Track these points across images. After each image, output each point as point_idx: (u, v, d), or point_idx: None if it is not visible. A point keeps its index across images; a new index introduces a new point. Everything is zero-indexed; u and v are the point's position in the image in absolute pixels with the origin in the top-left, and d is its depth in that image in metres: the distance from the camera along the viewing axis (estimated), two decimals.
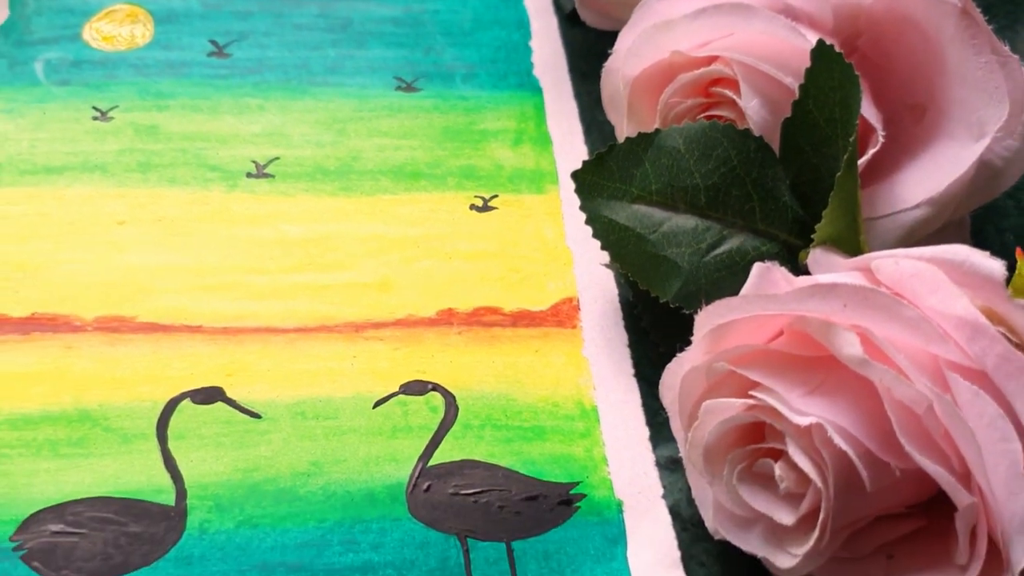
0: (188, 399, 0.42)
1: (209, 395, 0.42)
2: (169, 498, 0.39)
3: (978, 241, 0.52)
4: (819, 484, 0.35)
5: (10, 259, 0.45)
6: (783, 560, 0.37)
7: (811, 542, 0.36)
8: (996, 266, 0.35)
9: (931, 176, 0.45)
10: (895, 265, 0.36)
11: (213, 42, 0.55)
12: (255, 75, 0.54)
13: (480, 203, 0.51)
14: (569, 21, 0.58)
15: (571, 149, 0.54)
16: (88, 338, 0.43)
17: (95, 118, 0.51)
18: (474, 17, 0.59)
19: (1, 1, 0.54)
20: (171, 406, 0.42)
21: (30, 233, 0.46)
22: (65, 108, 0.51)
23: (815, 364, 0.37)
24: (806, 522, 0.36)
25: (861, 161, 0.44)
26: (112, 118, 0.51)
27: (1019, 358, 0.34)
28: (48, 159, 0.49)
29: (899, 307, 0.35)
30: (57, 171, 0.49)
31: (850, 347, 0.34)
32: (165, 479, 0.40)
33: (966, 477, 0.34)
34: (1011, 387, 0.34)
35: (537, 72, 0.57)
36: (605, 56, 0.50)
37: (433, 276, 0.48)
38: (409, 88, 0.55)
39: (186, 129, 0.51)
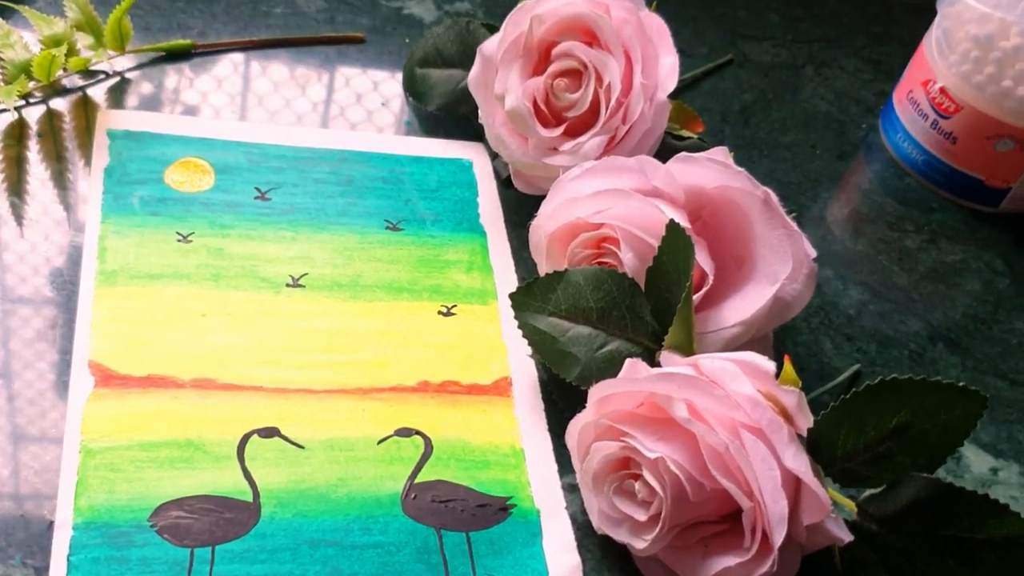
0: (256, 434, 0.50)
1: (270, 432, 0.50)
2: (248, 497, 0.48)
3: (780, 349, 0.59)
4: (661, 495, 0.44)
5: (130, 337, 0.52)
6: (639, 544, 0.46)
7: (655, 532, 0.45)
8: (770, 365, 0.45)
9: (743, 306, 0.52)
10: (711, 363, 0.46)
11: (257, 188, 0.60)
12: (288, 215, 0.59)
13: (445, 310, 0.57)
14: (505, 186, 0.64)
15: (506, 276, 0.60)
16: (187, 392, 0.50)
17: (179, 240, 0.56)
18: (438, 179, 0.64)
19: (103, 151, 0.60)
20: (245, 438, 0.49)
21: (142, 319, 0.52)
22: (157, 232, 0.56)
23: (661, 422, 0.45)
24: (653, 520, 0.46)
25: (697, 295, 0.52)
26: (191, 241, 0.56)
27: (779, 421, 0.44)
28: (148, 268, 0.54)
29: (711, 388, 0.44)
30: (156, 277, 0.54)
31: (681, 412, 0.44)
32: (245, 485, 0.48)
33: (749, 492, 0.44)
34: (775, 438, 0.44)
35: (482, 220, 0.62)
36: (530, 211, 0.56)
37: (414, 359, 0.54)
38: (395, 228, 0.60)
39: (243, 251, 0.57)
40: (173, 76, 0.68)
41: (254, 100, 0.67)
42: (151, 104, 0.65)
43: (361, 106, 0.69)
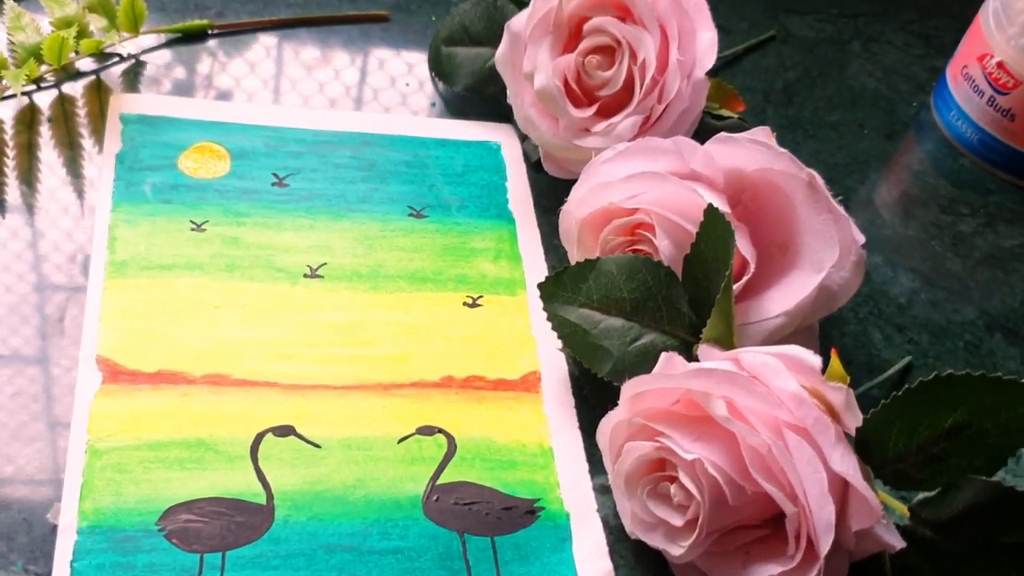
0: (270, 433, 0.49)
1: (285, 431, 0.49)
2: (261, 499, 0.47)
3: (826, 341, 0.58)
4: (699, 499, 0.43)
5: (140, 330, 0.51)
6: (675, 550, 0.45)
7: (692, 538, 0.44)
8: (816, 360, 0.44)
9: (787, 296, 0.51)
10: (753, 357, 0.45)
11: (275, 175, 0.59)
12: (307, 202, 0.58)
13: (470, 301, 0.56)
14: (535, 169, 0.63)
15: (535, 265, 0.58)
16: (198, 389, 0.49)
17: (192, 229, 0.55)
18: (465, 163, 0.62)
19: (115, 136, 0.59)
20: (259, 437, 0.48)
21: (152, 312, 0.51)
22: (169, 221, 0.55)
23: (699, 421, 0.44)
24: (690, 525, 0.44)
25: (738, 285, 0.50)
26: (205, 230, 0.55)
27: (826, 420, 0.42)
28: (160, 259, 0.53)
29: (753, 385, 0.43)
30: (167, 268, 0.53)
31: (720, 410, 0.43)
32: (258, 487, 0.47)
33: (793, 496, 0.42)
34: (821, 439, 0.42)
35: (511, 206, 0.61)
36: (561, 196, 0.55)
37: (437, 353, 0.53)
38: (418, 215, 0.59)
39: (259, 240, 0.55)
40: (189, 58, 0.66)
41: (273, 82, 0.66)
42: (166, 87, 0.64)
43: (384, 87, 0.68)
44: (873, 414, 0.44)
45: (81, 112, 0.62)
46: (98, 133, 0.60)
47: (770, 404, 0.43)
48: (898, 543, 0.43)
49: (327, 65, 0.68)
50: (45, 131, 0.60)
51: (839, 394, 0.43)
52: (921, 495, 0.46)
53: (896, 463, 0.44)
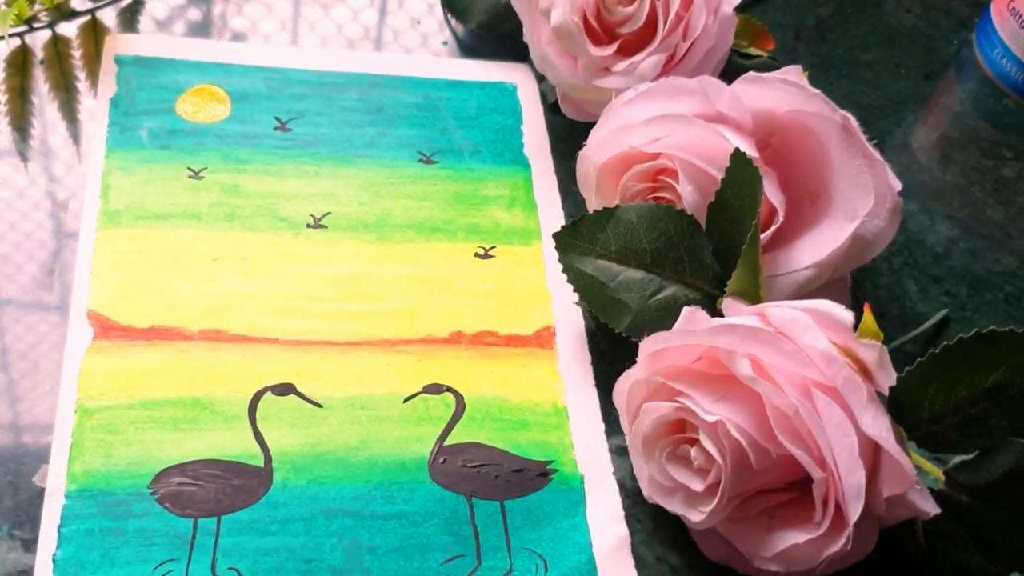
0: (270, 391, 0.48)
1: (285, 389, 0.48)
2: (259, 461, 0.46)
3: (858, 294, 0.57)
4: (720, 462, 0.42)
5: (133, 283, 0.50)
6: (695, 516, 0.44)
7: (714, 503, 0.43)
8: (847, 315, 0.43)
9: (818, 246, 0.50)
10: (780, 312, 0.43)
11: (277, 119, 0.57)
12: (311, 147, 0.57)
13: (482, 252, 0.55)
14: (552, 112, 0.61)
15: (552, 213, 0.57)
16: (195, 345, 0.48)
17: (190, 177, 0.54)
18: (478, 105, 0.61)
19: (110, 78, 0.57)
20: (258, 396, 0.48)
21: (147, 264, 0.50)
22: (166, 168, 0.54)
23: (721, 380, 0.43)
24: (711, 490, 0.43)
25: (766, 234, 0.49)
26: (203, 177, 0.54)
27: (858, 380, 0.41)
28: (156, 208, 0.52)
29: (780, 342, 0.42)
30: (163, 217, 0.52)
31: (745, 368, 0.42)
32: (256, 448, 0.46)
33: (821, 460, 0.41)
34: (852, 400, 0.41)
35: (527, 151, 0.60)
36: (580, 140, 0.54)
37: (446, 306, 0.52)
38: (429, 161, 0.58)
39: (260, 188, 0.54)
40: None
41: (275, 21, 0.64)
42: (165, 27, 0.62)
43: (393, 25, 0.66)
44: (908, 372, 0.42)
45: (76, 54, 0.60)
46: (93, 76, 0.59)
47: (798, 362, 0.42)
48: (932, 509, 0.42)
49: (330, 2, 0.66)
50: (38, 74, 0.59)
51: (872, 351, 0.42)
52: (958, 458, 0.44)
53: (932, 424, 0.43)
